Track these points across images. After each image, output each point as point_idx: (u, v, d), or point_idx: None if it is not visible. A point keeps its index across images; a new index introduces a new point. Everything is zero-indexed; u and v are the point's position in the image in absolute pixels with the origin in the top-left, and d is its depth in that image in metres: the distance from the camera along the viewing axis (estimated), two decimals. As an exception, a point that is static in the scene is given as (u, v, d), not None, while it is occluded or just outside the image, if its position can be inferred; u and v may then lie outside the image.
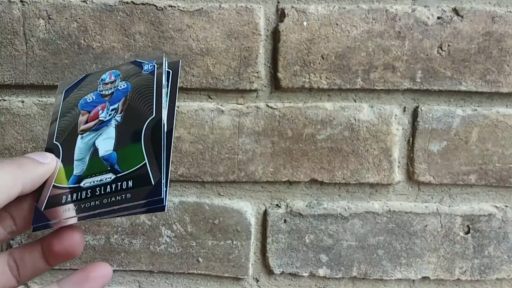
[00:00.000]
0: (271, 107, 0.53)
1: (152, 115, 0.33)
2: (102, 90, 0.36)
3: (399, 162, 0.55)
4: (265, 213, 0.56)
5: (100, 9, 0.50)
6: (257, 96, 0.53)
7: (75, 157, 0.33)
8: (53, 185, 0.32)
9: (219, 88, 0.53)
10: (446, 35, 0.51)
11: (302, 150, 0.54)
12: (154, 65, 0.36)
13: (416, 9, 0.50)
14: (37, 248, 0.31)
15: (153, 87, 0.35)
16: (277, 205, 0.56)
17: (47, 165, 0.32)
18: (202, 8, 0.50)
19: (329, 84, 0.52)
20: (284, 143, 0.54)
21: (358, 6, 0.51)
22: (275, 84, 0.53)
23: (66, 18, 0.51)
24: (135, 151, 0.31)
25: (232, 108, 0.53)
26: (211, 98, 0.54)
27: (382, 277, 0.57)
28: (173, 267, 0.57)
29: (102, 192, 0.30)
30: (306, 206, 0.56)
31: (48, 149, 0.34)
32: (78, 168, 0.33)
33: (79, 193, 0.31)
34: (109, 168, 0.32)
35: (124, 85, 0.36)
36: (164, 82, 0.35)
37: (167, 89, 0.35)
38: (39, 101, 0.53)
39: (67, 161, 0.33)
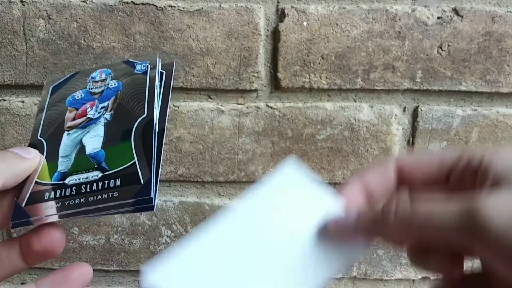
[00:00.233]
0: (271, 107, 0.53)
1: (144, 114, 0.32)
2: (91, 88, 0.36)
3: (399, 162, 0.55)
4: (265, 213, 0.56)
5: (100, 9, 0.50)
6: (257, 96, 0.53)
7: (60, 154, 0.33)
8: (36, 181, 0.31)
9: (219, 88, 0.53)
10: (446, 35, 0.51)
11: (302, 150, 0.54)
12: (147, 66, 0.36)
13: (416, 9, 0.50)
14: (15, 246, 0.30)
15: (146, 87, 0.34)
16: (277, 205, 0.56)
17: (30, 160, 0.31)
18: (202, 8, 0.50)
19: (329, 84, 0.52)
20: (284, 143, 0.54)
21: (358, 6, 0.51)
22: (275, 84, 0.53)
23: (66, 18, 0.50)
24: (124, 149, 0.31)
25: (232, 108, 0.53)
26: (211, 98, 0.54)
27: (382, 277, 0.57)
28: (173, 267, 0.57)
29: (88, 189, 0.30)
30: (306, 206, 0.56)
31: (31, 145, 0.34)
32: (63, 165, 0.32)
33: (63, 190, 0.30)
34: (96, 166, 0.31)
35: (115, 84, 0.36)
36: (157, 82, 0.34)
37: (160, 89, 0.35)
38: (39, 101, 0.53)
39: (52, 158, 0.32)
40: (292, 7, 0.51)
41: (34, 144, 0.34)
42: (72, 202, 0.30)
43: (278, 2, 0.51)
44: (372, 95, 0.53)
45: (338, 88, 0.53)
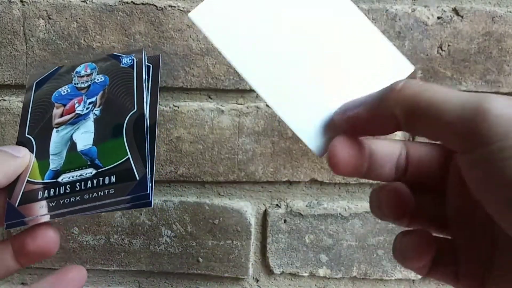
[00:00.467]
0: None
1: (134, 109, 0.32)
2: (77, 83, 0.35)
3: (399, 162, 0.55)
4: (265, 213, 0.56)
5: (100, 9, 0.50)
6: (257, 96, 0.53)
7: (51, 152, 0.32)
8: (27, 180, 0.30)
9: (219, 88, 0.53)
10: (446, 35, 0.51)
11: (302, 150, 0.54)
12: (133, 59, 0.35)
13: (416, 9, 0.50)
14: (7, 247, 0.30)
15: (133, 81, 0.34)
16: (277, 205, 0.56)
17: (21, 158, 0.30)
18: (202, 8, 0.50)
19: (329, 84, 0.52)
20: (284, 143, 0.54)
21: (358, 6, 0.50)
22: (275, 84, 0.53)
23: (66, 18, 0.50)
24: (116, 145, 0.31)
25: (232, 108, 0.53)
26: (211, 98, 0.54)
27: (382, 277, 0.57)
28: (173, 267, 0.57)
29: (83, 187, 0.29)
30: (306, 206, 0.56)
31: (20, 143, 0.33)
32: (54, 163, 0.31)
33: (57, 188, 0.30)
34: (89, 163, 0.31)
35: (101, 78, 0.35)
36: (144, 76, 0.34)
37: (148, 83, 0.34)
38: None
39: (42, 156, 0.32)
40: (292, 7, 0.51)
41: (23, 142, 0.33)
42: (67, 200, 0.29)
43: (278, 2, 0.51)
44: (372, 95, 0.53)
45: (338, 88, 0.53)
